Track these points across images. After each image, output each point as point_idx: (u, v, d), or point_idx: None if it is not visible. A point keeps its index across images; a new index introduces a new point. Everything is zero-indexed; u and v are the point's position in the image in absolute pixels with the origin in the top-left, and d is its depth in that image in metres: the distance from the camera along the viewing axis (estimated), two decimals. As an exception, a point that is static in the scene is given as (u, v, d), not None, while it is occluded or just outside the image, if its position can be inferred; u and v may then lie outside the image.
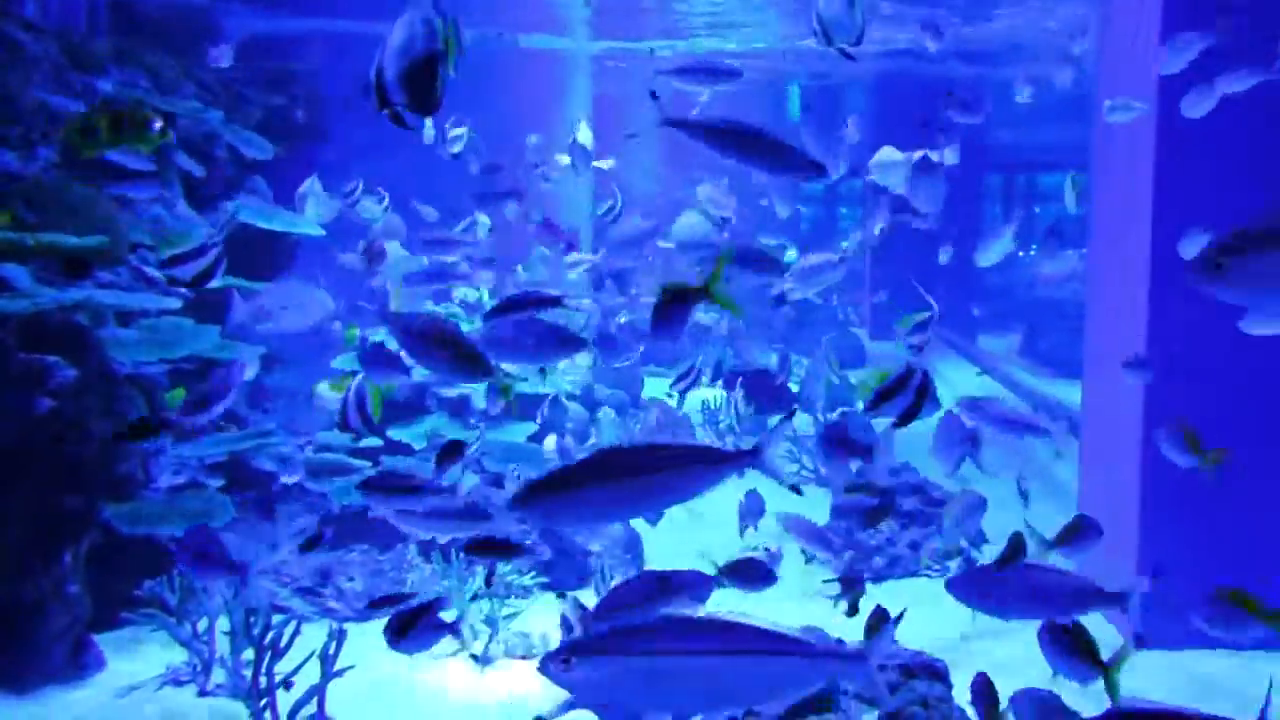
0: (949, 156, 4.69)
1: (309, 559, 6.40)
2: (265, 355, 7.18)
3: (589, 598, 6.47)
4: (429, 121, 8.01)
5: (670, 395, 9.73)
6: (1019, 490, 5.41)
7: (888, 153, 4.83)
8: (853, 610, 5.20)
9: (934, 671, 4.42)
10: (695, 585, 3.55)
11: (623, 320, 8.91)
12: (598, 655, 2.27)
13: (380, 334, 6.81)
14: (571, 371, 9.38)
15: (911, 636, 4.54)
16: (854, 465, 8.45)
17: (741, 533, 6.54)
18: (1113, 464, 6.16)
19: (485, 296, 8.91)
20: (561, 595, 5.98)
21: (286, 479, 6.66)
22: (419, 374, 7.95)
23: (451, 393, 8.35)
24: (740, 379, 7.06)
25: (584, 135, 8.86)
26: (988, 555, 7.22)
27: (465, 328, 8.13)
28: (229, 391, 4.76)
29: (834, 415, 8.68)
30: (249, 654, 4.79)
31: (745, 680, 2.27)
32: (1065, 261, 15.08)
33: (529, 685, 5.25)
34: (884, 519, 6.08)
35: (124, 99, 6.50)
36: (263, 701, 4.66)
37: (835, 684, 4.34)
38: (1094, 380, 6.73)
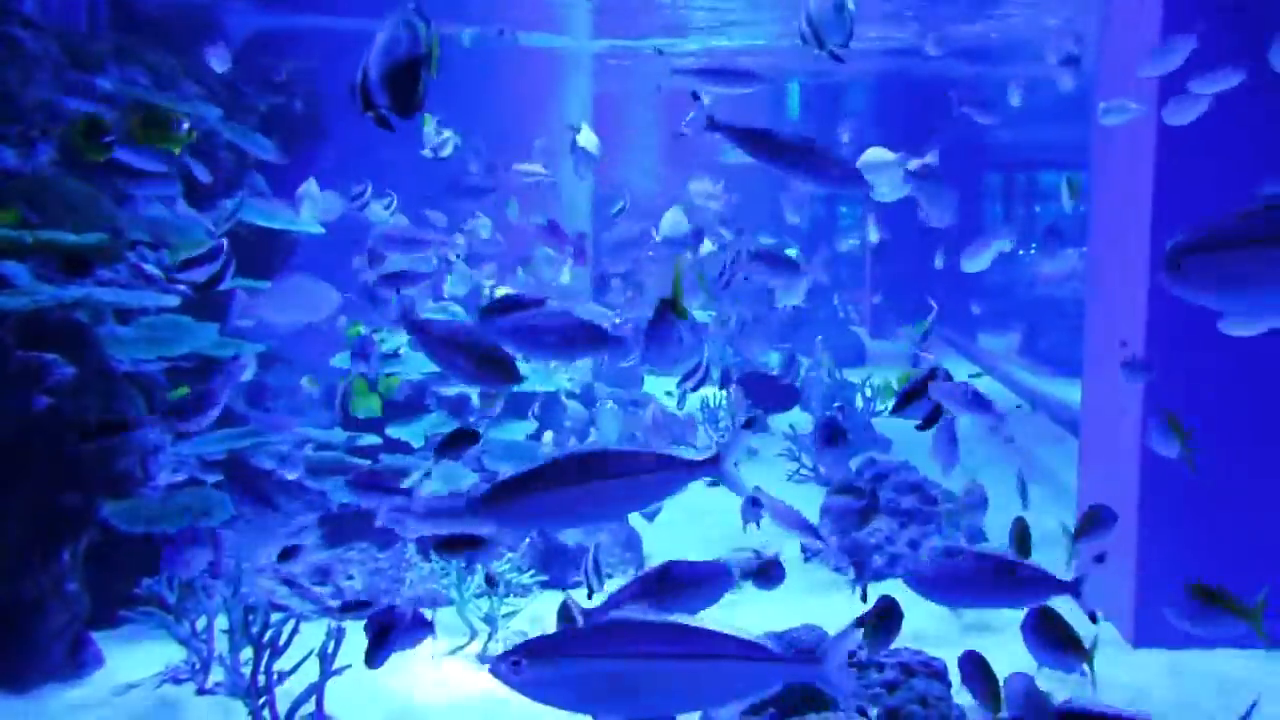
0: (930, 159, 4.71)
1: (307, 556, 6.41)
2: (266, 354, 7.18)
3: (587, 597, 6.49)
4: (433, 125, 8.03)
5: (670, 394, 9.74)
6: (1019, 485, 5.42)
7: (877, 153, 4.78)
8: (864, 597, 5.26)
9: (933, 670, 4.43)
10: (715, 577, 3.54)
11: (617, 321, 8.90)
12: (548, 658, 2.28)
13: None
14: (571, 370, 9.38)
15: (910, 635, 4.55)
16: (854, 463, 8.48)
17: (745, 528, 6.54)
18: (1112, 462, 6.16)
19: (487, 291, 8.90)
20: (576, 587, 5.98)
21: (290, 474, 6.67)
22: (417, 372, 8.00)
23: (451, 391, 8.36)
24: (740, 379, 7.06)
25: (586, 138, 8.85)
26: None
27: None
28: (219, 399, 4.81)
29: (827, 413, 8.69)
30: (248, 652, 4.79)
31: (697, 684, 2.28)
32: (1065, 260, 15.08)
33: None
34: (870, 519, 6.21)
35: (152, 102, 6.51)
36: (261, 700, 4.66)
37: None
38: (1093, 379, 6.73)
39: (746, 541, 6.11)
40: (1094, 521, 4.41)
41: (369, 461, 7.05)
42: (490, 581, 5.81)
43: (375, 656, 4.14)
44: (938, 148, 4.17)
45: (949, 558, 3.35)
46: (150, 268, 6.36)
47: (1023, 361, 15.74)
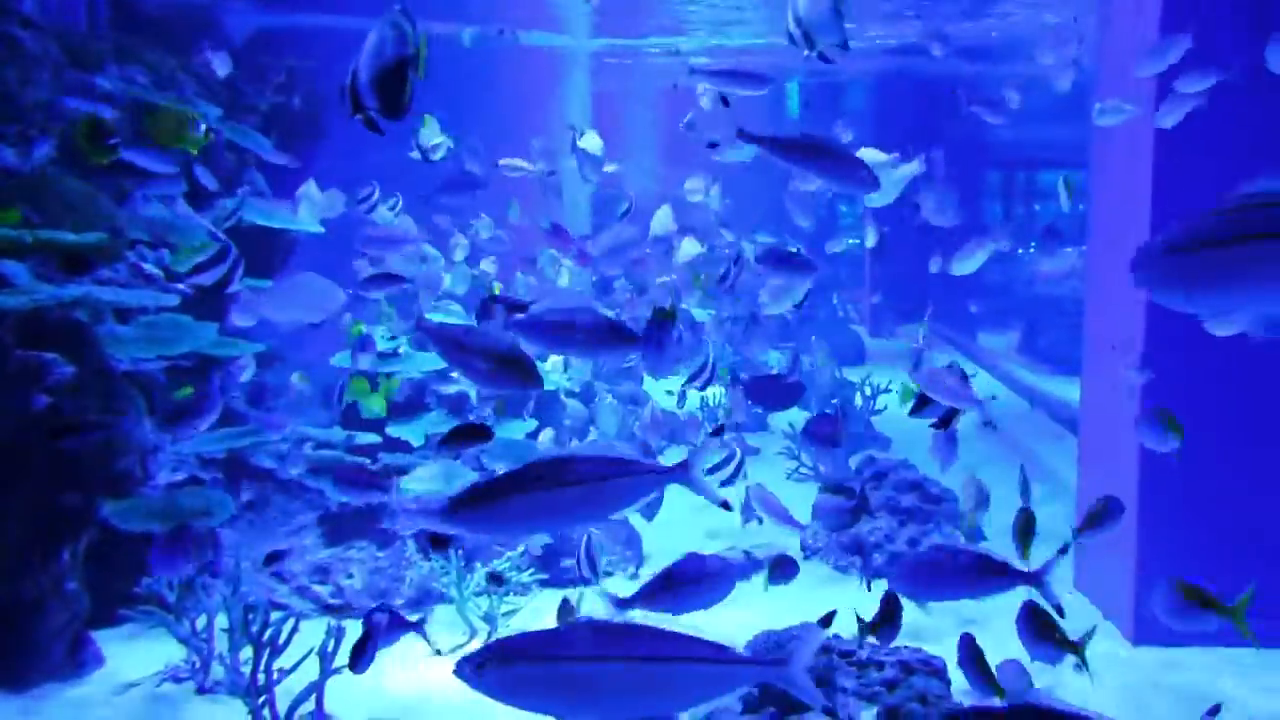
0: (917, 166, 4.74)
1: (307, 555, 6.41)
2: (266, 353, 7.18)
3: (589, 596, 6.48)
4: (435, 126, 8.05)
5: (670, 394, 9.74)
6: (1021, 481, 5.41)
7: (868, 156, 4.81)
8: (869, 587, 5.31)
9: (932, 668, 4.43)
10: (729, 571, 3.67)
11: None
12: (512, 661, 2.28)
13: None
14: (572, 369, 9.38)
15: (908, 633, 4.55)
16: (853, 462, 8.48)
17: (744, 525, 6.56)
18: (1112, 461, 6.16)
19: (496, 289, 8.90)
20: (576, 585, 5.98)
21: (292, 470, 6.67)
22: (416, 371, 8.00)
23: (450, 390, 8.36)
24: (747, 382, 7.10)
25: (590, 141, 8.89)
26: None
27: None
28: (210, 409, 4.84)
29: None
30: (248, 651, 4.79)
31: (662, 686, 2.28)
32: (1064, 259, 15.08)
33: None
34: (859, 519, 6.36)
35: (171, 105, 6.53)
36: (261, 698, 4.66)
37: (833, 682, 4.36)
38: (1093, 377, 6.73)
39: (746, 538, 6.13)
40: (1104, 513, 4.45)
41: (368, 460, 7.05)
42: (497, 580, 5.80)
43: (359, 662, 4.23)
44: (923, 154, 4.18)
45: (920, 557, 3.49)
46: (150, 267, 6.36)
47: (1022, 360, 15.74)
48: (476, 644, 5.78)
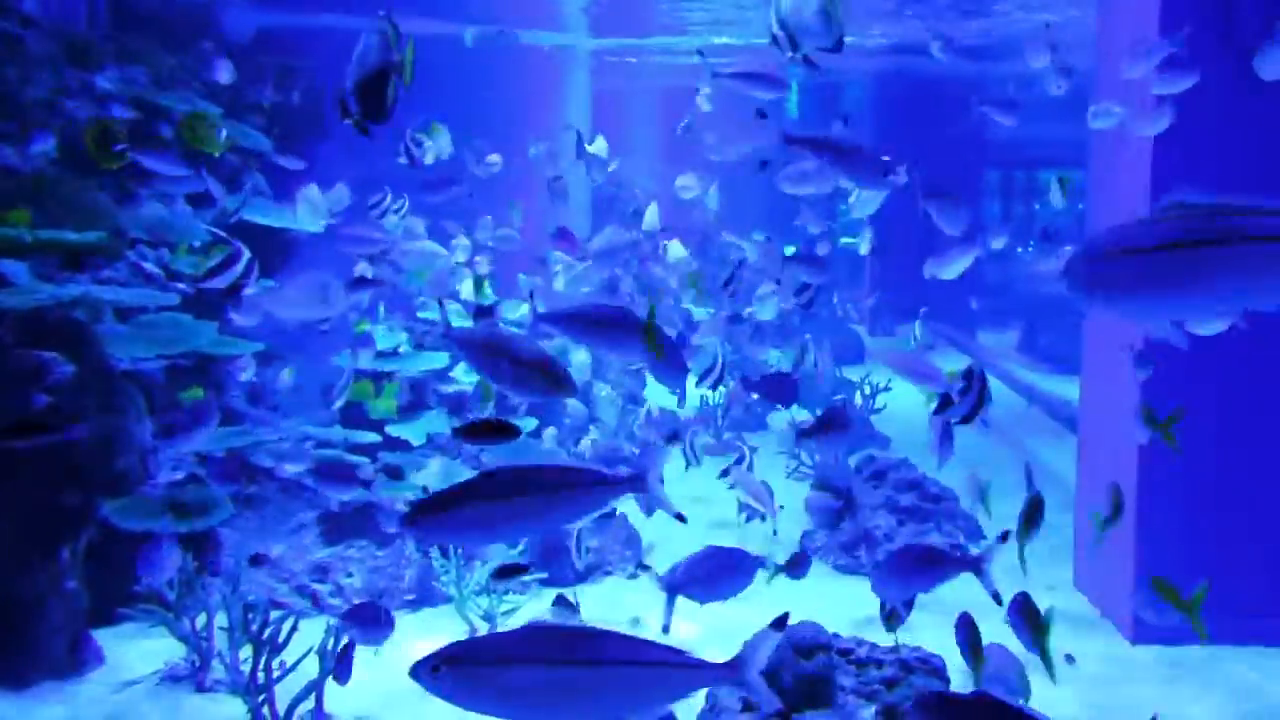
0: (900, 177, 4.82)
1: (307, 554, 6.41)
2: (267, 353, 7.18)
3: (588, 594, 6.49)
4: (445, 134, 8.12)
5: (671, 392, 9.74)
6: (1026, 477, 5.43)
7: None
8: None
9: (931, 667, 4.44)
10: (746, 562, 3.91)
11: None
12: (465, 664, 2.29)
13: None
14: (572, 370, 9.38)
15: (907, 632, 4.56)
16: (853, 461, 8.49)
17: (741, 524, 6.58)
18: (1111, 460, 6.16)
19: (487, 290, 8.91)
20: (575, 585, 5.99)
21: (289, 469, 6.67)
22: (414, 370, 8.00)
23: (450, 389, 8.37)
24: (757, 381, 7.16)
25: (597, 145, 8.99)
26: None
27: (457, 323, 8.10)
28: (200, 426, 4.88)
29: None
30: (247, 650, 4.80)
31: (616, 690, 2.29)
32: (1064, 258, 15.08)
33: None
34: (844, 519, 6.63)
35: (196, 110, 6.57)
36: (261, 697, 4.67)
37: (833, 680, 4.37)
38: (1092, 376, 6.74)
39: (746, 533, 6.15)
40: (1120, 504, 4.62)
41: (367, 459, 7.06)
42: (509, 573, 5.74)
43: (342, 674, 4.45)
44: (906, 164, 4.27)
45: (882, 562, 3.86)
46: (150, 266, 6.36)
47: (1022, 359, 15.75)
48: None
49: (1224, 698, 5.18)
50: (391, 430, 7.62)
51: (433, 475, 6.91)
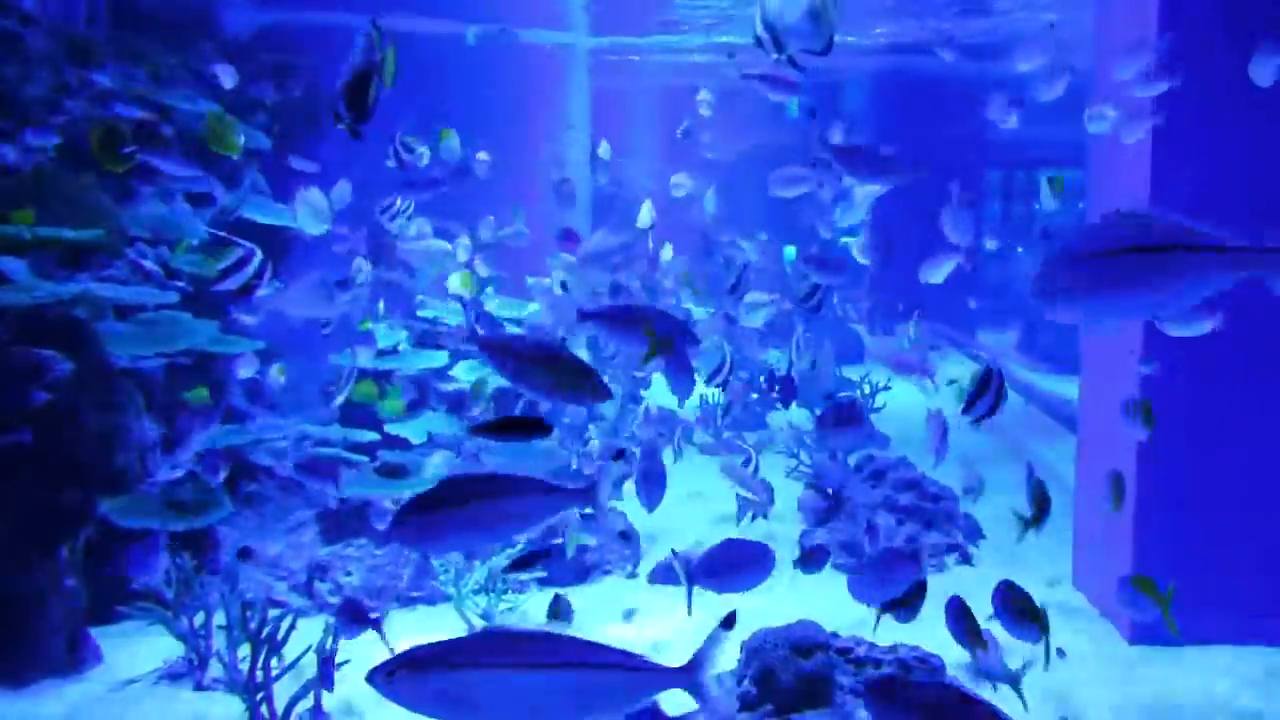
0: (881, 188, 4.93)
1: (306, 553, 6.41)
2: (268, 352, 7.18)
3: (587, 594, 6.49)
4: (455, 139, 8.15)
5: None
6: (1028, 476, 5.48)
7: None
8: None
9: (930, 666, 4.44)
10: (764, 556, 4.00)
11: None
12: (421, 669, 2.30)
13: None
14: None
15: (906, 631, 4.55)
16: (853, 460, 8.48)
17: (740, 523, 6.57)
18: (1110, 459, 6.16)
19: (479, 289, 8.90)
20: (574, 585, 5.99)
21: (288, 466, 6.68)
22: (413, 368, 8.00)
23: (450, 388, 8.36)
24: (769, 379, 7.20)
25: (602, 149, 9.07)
26: (982, 550, 7.24)
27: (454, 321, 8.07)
28: (193, 437, 4.89)
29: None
30: (246, 648, 4.79)
31: (570, 694, 2.31)
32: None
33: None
34: (832, 517, 6.67)
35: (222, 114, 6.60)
36: (259, 695, 4.66)
37: (831, 679, 4.37)
38: (1091, 376, 6.74)
39: (746, 532, 6.14)
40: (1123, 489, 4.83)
41: (367, 458, 7.06)
42: (533, 559, 5.72)
43: (327, 682, 4.50)
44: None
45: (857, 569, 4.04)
46: (149, 263, 6.36)
47: (1021, 358, 15.75)
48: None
49: (1221, 697, 5.17)
50: (391, 429, 7.62)
51: (439, 472, 6.92)
